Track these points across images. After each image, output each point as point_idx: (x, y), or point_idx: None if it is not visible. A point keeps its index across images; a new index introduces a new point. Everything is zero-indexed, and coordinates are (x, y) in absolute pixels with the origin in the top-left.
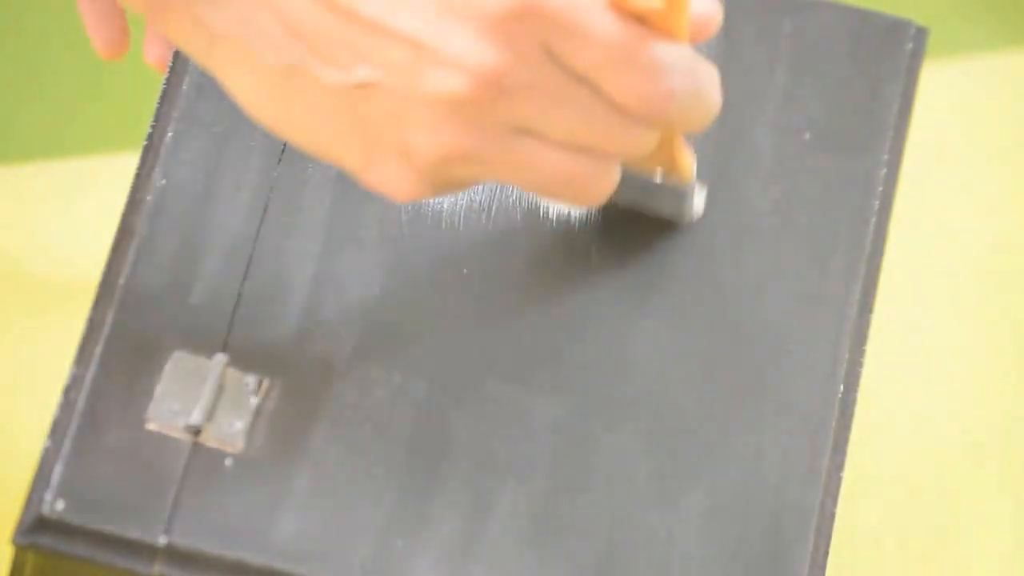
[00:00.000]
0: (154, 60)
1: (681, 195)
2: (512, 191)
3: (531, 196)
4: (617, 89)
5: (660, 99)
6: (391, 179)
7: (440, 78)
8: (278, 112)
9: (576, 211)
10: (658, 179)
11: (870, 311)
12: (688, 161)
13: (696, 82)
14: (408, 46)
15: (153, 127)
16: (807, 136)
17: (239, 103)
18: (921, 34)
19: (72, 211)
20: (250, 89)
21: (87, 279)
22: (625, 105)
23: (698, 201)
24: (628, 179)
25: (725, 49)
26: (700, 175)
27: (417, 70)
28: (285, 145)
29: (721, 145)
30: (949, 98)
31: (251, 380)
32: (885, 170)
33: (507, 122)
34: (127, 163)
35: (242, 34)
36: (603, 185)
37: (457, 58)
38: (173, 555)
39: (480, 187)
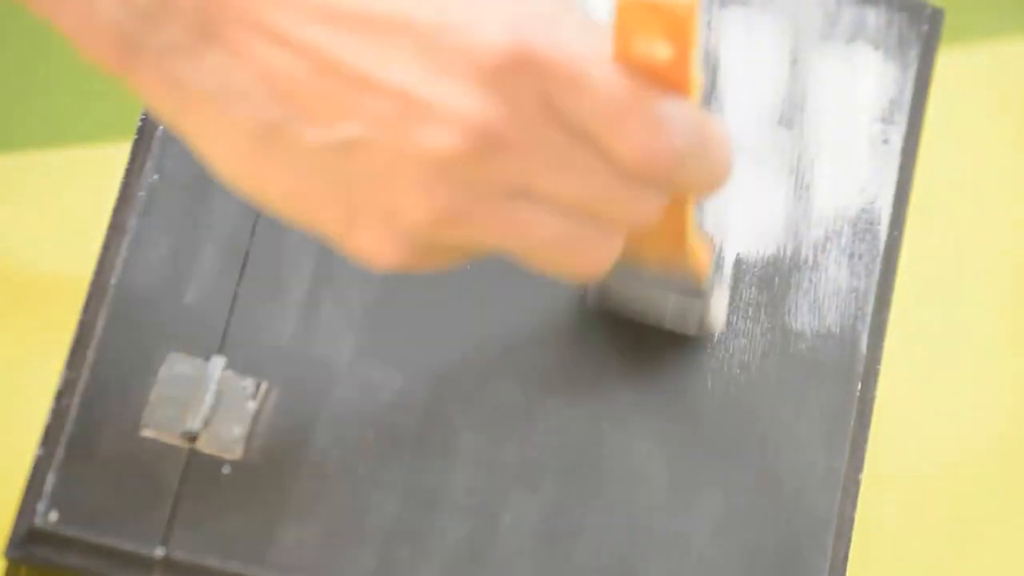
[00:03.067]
0: None
1: (696, 296)
2: None
3: None
4: (617, 144)
5: (663, 156)
6: (374, 244)
7: (430, 134)
8: (256, 175)
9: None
10: (670, 275)
11: (888, 306)
12: (702, 250)
13: (704, 140)
14: (396, 100)
15: (143, 120)
16: None
17: (213, 167)
18: (937, 16)
19: (51, 204)
20: (226, 151)
21: (68, 276)
22: (626, 161)
23: (718, 311)
24: (638, 281)
25: (732, 29)
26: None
27: (406, 126)
28: None
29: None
30: (965, 85)
31: (249, 384)
32: (901, 158)
33: (501, 182)
34: (110, 154)
35: (219, 93)
36: (602, 255)
37: (448, 112)
38: (170, 567)
39: None
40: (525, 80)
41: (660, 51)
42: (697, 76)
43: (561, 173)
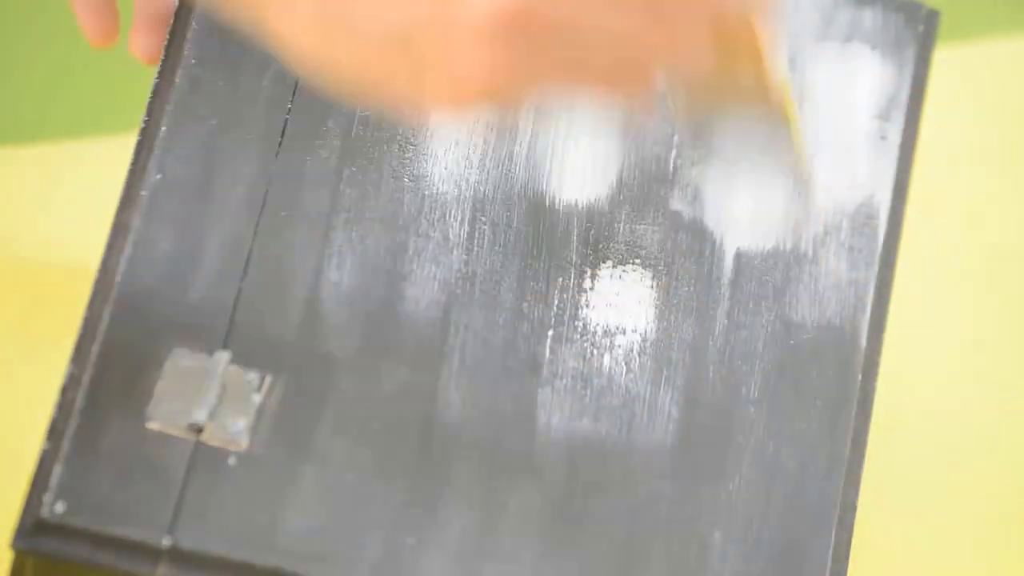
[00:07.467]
0: (139, 51)
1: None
2: (515, 181)
3: (534, 187)
4: None
5: None
6: (440, 99)
7: (475, 4)
8: (320, 58)
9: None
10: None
11: (887, 299)
12: (776, 82)
13: None
14: None
15: (146, 121)
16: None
17: (282, 51)
18: (933, 17)
19: (56, 198)
20: (291, 37)
21: (75, 270)
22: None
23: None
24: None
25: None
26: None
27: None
28: (283, 137)
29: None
30: (962, 81)
31: (253, 377)
32: (899, 154)
33: (548, 32)
34: (116, 147)
35: None
36: (653, 71)
37: None
38: (177, 557)
39: (484, 176)
40: None
41: None
42: None
43: (604, 16)
